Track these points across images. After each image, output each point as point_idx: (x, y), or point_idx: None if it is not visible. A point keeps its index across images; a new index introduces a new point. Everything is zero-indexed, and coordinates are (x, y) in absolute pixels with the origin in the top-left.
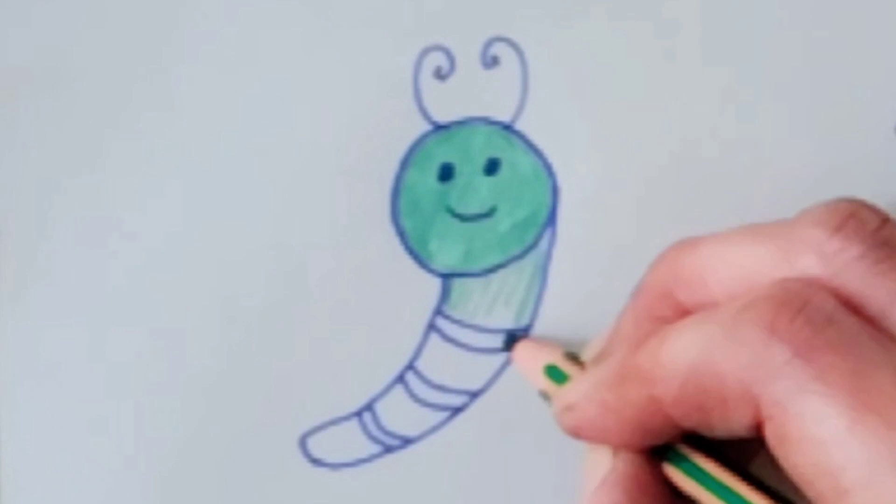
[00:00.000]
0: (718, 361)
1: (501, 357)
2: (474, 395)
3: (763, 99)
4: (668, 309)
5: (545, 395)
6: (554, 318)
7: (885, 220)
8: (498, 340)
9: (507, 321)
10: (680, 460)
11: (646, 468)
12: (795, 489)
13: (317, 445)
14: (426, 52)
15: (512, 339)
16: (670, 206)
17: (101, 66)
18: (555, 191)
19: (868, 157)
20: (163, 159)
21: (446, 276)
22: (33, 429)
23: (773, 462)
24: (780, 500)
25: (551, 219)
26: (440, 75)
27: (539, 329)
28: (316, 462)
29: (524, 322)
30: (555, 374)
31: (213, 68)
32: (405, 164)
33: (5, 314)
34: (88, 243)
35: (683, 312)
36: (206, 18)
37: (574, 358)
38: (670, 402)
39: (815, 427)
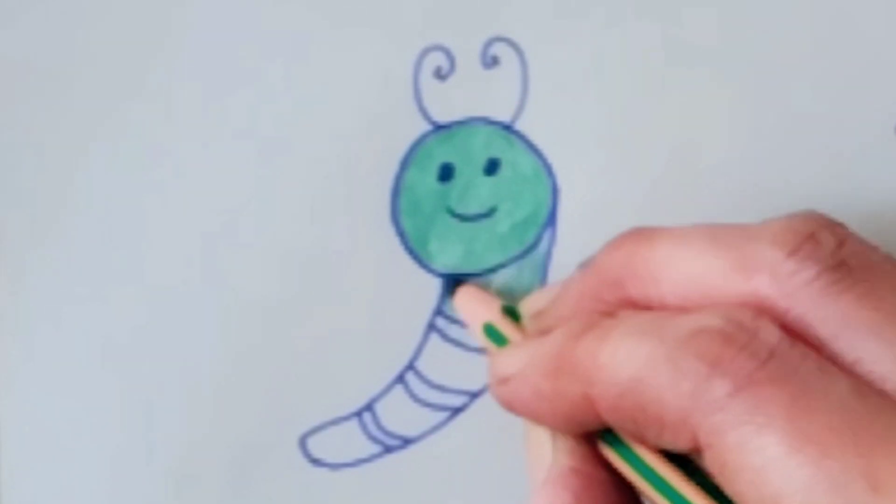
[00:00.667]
0: (659, 384)
1: None
2: (474, 395)
3: (763, 99)
4: (614, 296)
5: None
6: None
7: (843, 240)
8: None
9: None
10: (614, 442)
11: (587, 456)
12: None
13: (317, 445)
14: (426, 52)
15: (454, 282)
16: (670, 206)
17: (101, 66)
18: (555, 191)
19: (868, 157)
20: (162, 159)
21: (446, 276)
22: (33, 429)
23: None
24: (712, 491)
25: (551, 219)
26: (440, 75)
27: None
28: (316, 462)
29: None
30: (492, 333)
31: (212, 68)
32: (405, 164)
33: (5, 314)
34: (87, 243)
35: (630, 303)
36: (205, 18)
37: (512, 313)
38: (605, 408)
39: (753, 456)
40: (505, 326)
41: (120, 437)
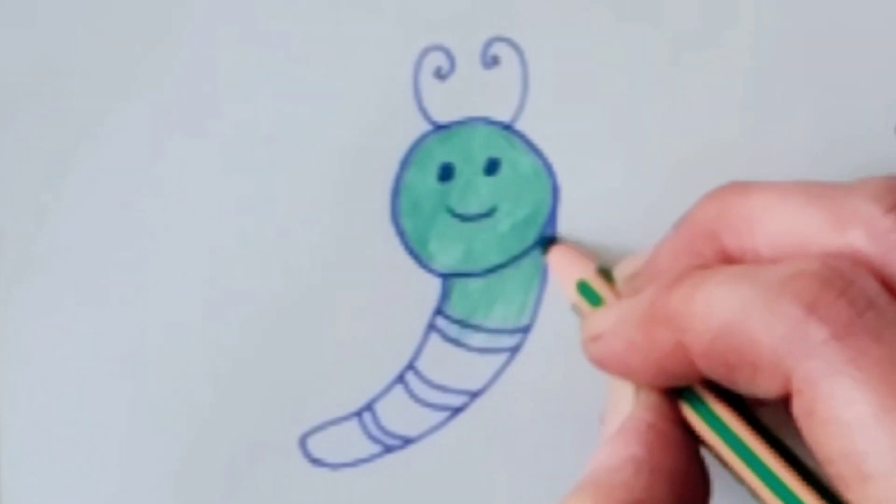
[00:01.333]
0: (754, 327)
1: (501, 357)
2: (474, 395)
3: (763, 99)
4: (709, 248)
5: (576, 310)
6: (554, 318)
7: None
8: (498, 340)
9: (507, 321)
10: (697, 402)
11: (666, 413)
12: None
13: (317, 445)
14: (426, 52)
15: (548, 241)
16: (671, 206)
17: (102, 66)
18: (555, 191)
19: (868, 157)
20: (161, 159)
21: (446, 276)
22: (33, 429)
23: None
24: (789, 457)
25: (551, 219)
26: (440, 75)
27: (539, 329)
28: (316, 462)
29: (524, 322)
30: (586, 291)
31: (212, 68)
32: (405, 164)
33: (5, 313)
34: (87, 243)
35: (723, 256)
36: (206, 19)
37: (607, 274)
38: (698, 353)
39: (843, 410)
40: (599, 285)
41: (120, 437)
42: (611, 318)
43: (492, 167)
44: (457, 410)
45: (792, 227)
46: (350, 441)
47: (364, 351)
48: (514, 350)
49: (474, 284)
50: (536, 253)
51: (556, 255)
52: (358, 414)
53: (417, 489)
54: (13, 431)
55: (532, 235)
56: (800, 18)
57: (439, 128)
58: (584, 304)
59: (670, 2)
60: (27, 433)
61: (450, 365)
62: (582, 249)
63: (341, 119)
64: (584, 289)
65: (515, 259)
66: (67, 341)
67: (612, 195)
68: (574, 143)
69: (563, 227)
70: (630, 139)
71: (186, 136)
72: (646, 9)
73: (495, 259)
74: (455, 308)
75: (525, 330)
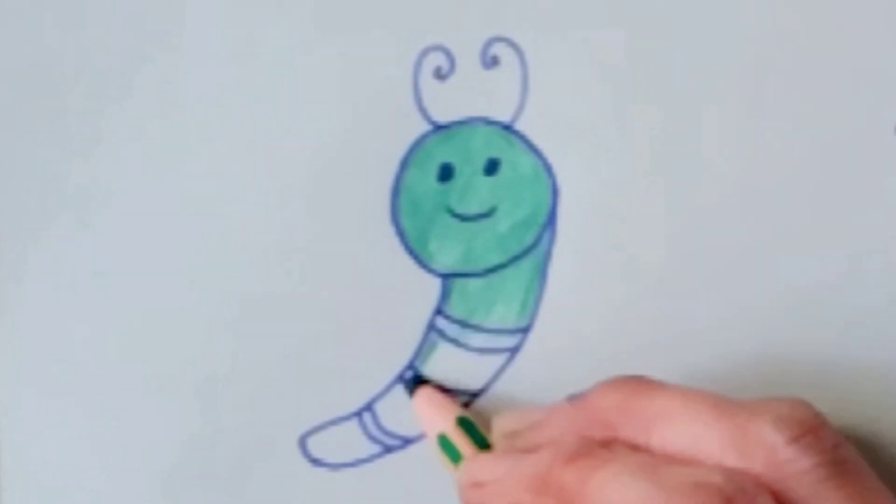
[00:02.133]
0: None
1: (501, 357)
2: (474, 395)
3: (763, 99)
4: (601, 436)
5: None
6: (554, 318)
7: (839, 442)
8: (498, 340)
9: (507, 321)
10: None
11: None
12: None
13: (317, 445)
14: (426, 52)
15: (415, 381)
16: (670, 206)
17: (102, 66)
18: (555, 191)
19: (868, 157)
20: (162, 160)
21: (446, 276)
22: (33, 429)
23: None
24: None
25: (551, 219)
26: (440, 75)
27: (539, 329)
28: (316, 462)
29: (524, 322)
30: (446, 444)
31: (213, 69)
32: (405, 164)
33: (5, 313)
34: (88, 243)
35: (616, 442)
36: (206, 20)
37: (467, 423)
38: None
39: None
40: (458, 439)
41: (120, 437)
42: (497, 469)
43: (492, 167)
44: None
45: (691, 440)
46: (350, 441)
47: (364, 351)
48: (514, 350)
49: (474, 284)
50: (536, 253)
51: (420, 401)
52: (358, 414)
53: (417, 489)
54: (13, 431)
55: (532, 235)
56: (800, 19)
57: (439, 128)
58: (443, 457)
59: (670, 3)
60: (26, 434)
61: (450, 365)
62: (442, 395)
63: (342, 119)
64: (444, 442)
65: (515, 259)
66: (67, 342)
67: (612, 195)
68: (574, 143)
69: (563, 227)
70: (630, 139)
71: (187, 136)
72: (645, 9)
73: (495, 259)
74: (455, 308)
75: (525, 330)
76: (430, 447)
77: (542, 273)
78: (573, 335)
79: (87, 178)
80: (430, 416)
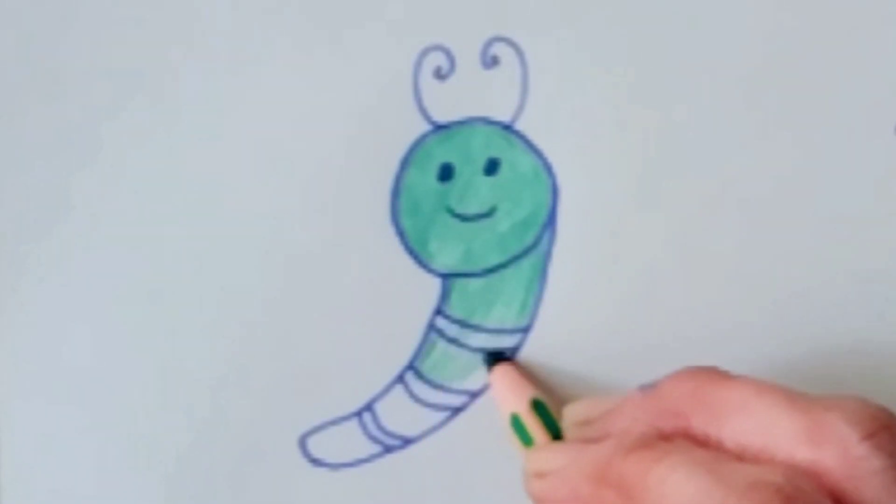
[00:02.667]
0: None
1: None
2: (474, 395)
3: (763, 99)
4: (672, 425)
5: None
6: (554, 318)
7: None
8: (498, 340)
9: (507, 321)
10: None
11: None
12: None
13: (317, 445)
14: (426, 52)
15: (495, 357)
16: (670, 206)
17: (103, 66)
18: (555, 191)
19: (868, 157)
20: (162, 160)
21: (446, 276)
22: (33, 429)
23: None
24: None
25: (551, 219)
26: (440, 75)
27: (539, 329)
28: (316, 462)
29: (524, 322)
30: (518, 425)
31: (213, 69)
32: (405, 164)
33: (5, 314)
34: (88, 244)
35: (686, 436)
36: (206, 18)
37: (541, 407)
38: None
39: None
40: (531, 422)
41: (120, 437)
42: (560, 459)
43: (492, 167)
44: (457, 410)
45: (764, 430)
46: (350, 441)
47: (364, 351)
48: (514, 350)
49: (474, 284)
50: (536, 253)
51: (496, 379)
52: (358, 414)
53: (417, 489)
54: (13, 432)
55: (532, 235)
56: (800, 19)
57: (439, 128)
58: (514, 438)
59: (670, 3)
60: (27, 434)
61: (450, 365)
62: (521, 374)
63: (342, 119)
64: (516, 423)
65: (515, 259)
66: (67, 343)
67: (612, 195)
68: (574, 143)
69: (563, 227)
70: (630, 139)
71: (187, 136)
72: (645, 9)
73: (495, 259)
74: (455, 308)
75: (525, 330)
76: (503, 426)
77: (542, 273)
78: (573, 335)
79: (89, 178)
80: (506, 394)
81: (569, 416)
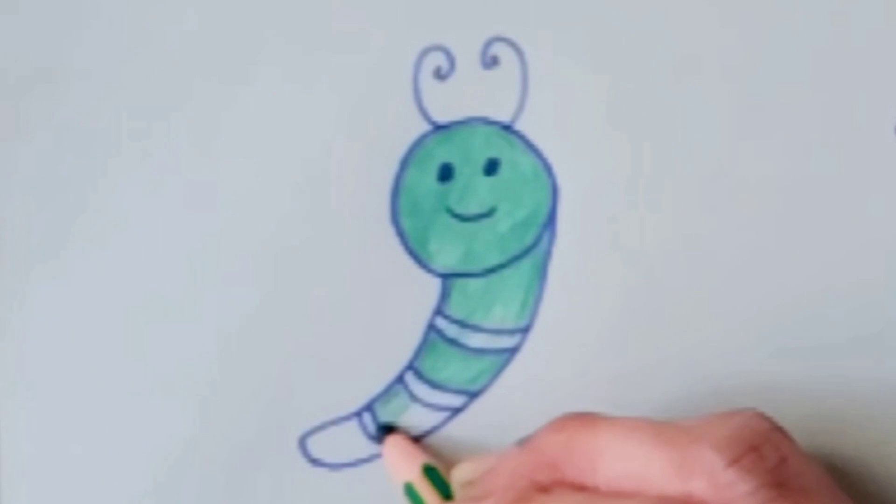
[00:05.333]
0: None
1: (501, 357)
2: (474, 395)
3: (763, 99)
4: (549, 477)
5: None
6: (554, 318)
7: (785, 457)
8: (498, 340)
9: (507, 321)
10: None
11: None
12: None
13: (316, 445)
14: (426, 52)
15: (385, 430)
16: (670, 206)
17: (103, 67)
18: (555, 191)
19: (868, 157)
20: (162, 161)
21: (446, 277)
22: (33, 430)
23: None
24: None
25: (551, 219)
26: (440, 75)
27: (539, 329)
28: (316, 462)
29: (524, 322)
30: (412, 493)
31: (213, 69)
32: (405, 164)
33: (5, 315)
34: (88, 244)
35: (564, 486)
36: (206, 18)
37: (433, 473)
38: None
39: None
40: (423, 488)
41: (120, 437)
42: None
43: (491, 167)
44: (457, 410)
45: (634, 469)
46: (350, 441)
47: (364, 351)
48: (514, 350)
49: (474, 285)
50: (536, 253)
51: (388, 449)
52: (358, 414)
53: None
54: (13, 432)
55: (532, 235)
56: (799, 19)
57: (439, 128)
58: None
59: (670, 3)
60: (27, 434)
61: (450, 365)
62: (411, 444)
63: (341, 119)
64: (410, 491)
65: (515, 259)
66: (66, 344)
67: (612, 195)
68: (574, 143)
69: (563, 226)
70: (630, 140)
71: (187, 138)
72: (645, 9)
73: (495, 259)
74: (455, 308)
75: (525, 330)
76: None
77: (541, 273)
78: (573, 335)
79: (89, 178)
80: (398, 463)
81: (455, 479)
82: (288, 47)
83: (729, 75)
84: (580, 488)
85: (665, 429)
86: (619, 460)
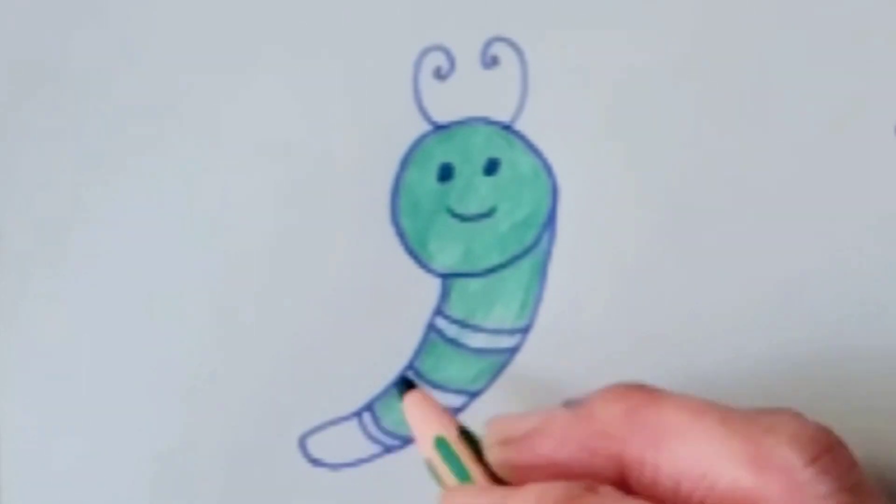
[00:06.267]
0: None
1: (501, 357)
2: (474, 395)
3: (764, 99)
4: (605, 448)
5: (430, 464)
6: (554, 318)
7: (853, 463)
8: (498, 340)
9: (507, 321)
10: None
11: None
12: None
13: (316, 445)
14: (426, 52)
15: (406, 383)
16: (670, 206)
17: (103, 67)
18: (554, 191)
19: (868, 157)
20: (162, 161)
21: (446, 277)
22: (33, 429)
23: None
24: None
25: (551, 219)
26: (440, 75)
27: (539, 329)
28: (316, 462)
29: (524, 322)
30: (444, 449)
31: (213, 69)
32: (405, 164)
33: (5, 315)
34: (88, 244)
35: (618, 461)
36: (206, 19)
37: (467, 435)
38: None
39: None
40: (461, 450)
41: (119, 437)
42: (478, 500)
43: (491, 167)
44: (457, 411)
45: (703, 456)
46: (350, 441)
47: (364, 351)
48: (514, 350)
49: (474, 285)
50: (536, 253)
51: (412, 402)
52: (358, 414)
53: (417, 489)
54: (13, 431)
55: (532, 235)
56: (800, 19)
57: (439, 128)
58: (439, 462)
59: (670, 3)
60: (27, 434)
61: (450, 365)
62: (437, 401)
63: (341, 119)
64: (442, 446)
65: (515, 259)
66: (65, 343)
67: (612, 195)
68: (574, 143)
69: (563, 227)
70: (629, 139)
71: (187, 138)
72: (645, 9)
73: (495, 259)
74: (454, 308)
75: (524, 330)
76: (422, 449)
77: (541, 273)
78: (573, 335)
79: (89, 179)
80: (427, 417)
81: (491, 433)
82: (288, 47)
83: (728, 76)
84: (638, 466)
85: (733, 416)
86: (686, 442)
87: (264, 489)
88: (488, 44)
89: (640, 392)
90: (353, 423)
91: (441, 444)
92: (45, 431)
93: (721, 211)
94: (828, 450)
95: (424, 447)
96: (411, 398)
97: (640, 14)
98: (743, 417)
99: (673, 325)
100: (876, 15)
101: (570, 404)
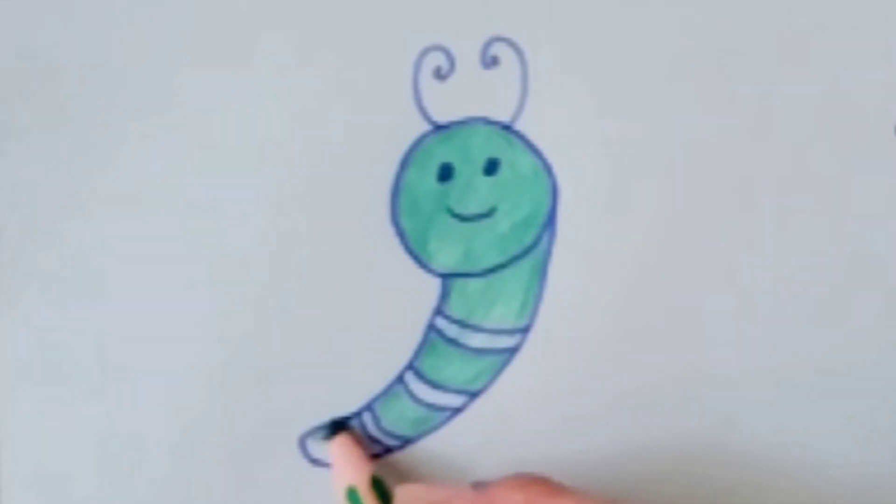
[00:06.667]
0: None
1: (501, 357)
2: (474, 395)
3: (763, 99)
4: None
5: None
6: (554, 318)
7: None
8: (498, 340)
9: (507, 321)
10: None
11: None
12: None
13: (317, 445)
14: (426, 52)
15: (336, 427)
16: (670, 206)
17: (103, 67)
18: (554, 191)
19: (868, 157)
20: (162, 160)
21: (446, 277)
22: (32, 429)
23: None
24: None
25: (551, 219)
26: (440, 75)
27: (539, 329)
28: (316, 462)
29: (524, 322)
30: (354, 498)
31: (213, 69)
32: (405, 164)
33: (5, 314)
34: (88, 244)
35: None
36: (206, 19)
37: (379, 485)
38: None
39: None
40: (370, 502)
41: (120, 437)
42: None
43: (491, 167)
44: (457, 410)
45: None
46: None
47: (364, 351)
48: (514, 350)
49: (474, 285)
50: (536, 253)
51: (337, 447)
52: (358, 414)
53: None
54: (13, 431)
55: (531, 235)
56: (800, 20)
57: (439, 128)
58: None
59: (670, 3)
60: (27, 433)
61: (450, 365)
62: (359, 447)
63: (341, 119)
64: (352, 496)
65: (515, 259)
66: (66, 343)
67: (612, 195)
68: (574, 143)
69: (563, 226)
70: (629, 139)
71: (187, 138)
72: (645, 10)
73: (495, 259)
74: (455, 308)
75: (524, 330)
76: (336, 494)
77: (541, 273)
78: (573, 335)
79: (90, 177)
80: (345, 464)
81: (401, 498)
82: (288, 47)
83: (728, 76)
84: None
85: None
86: None
87: (265, 488)
88: (488, 44)
89: (542, 485)
90: (353, 423)
91: (352, 494)
92: (46, 431)
93: (720, 209)
94: None
95: (338, 495)
96: (336, 443)
97: (641, 14)
98: None
99: (672, 324)
100: (876, 15)
101: (476, 485)
